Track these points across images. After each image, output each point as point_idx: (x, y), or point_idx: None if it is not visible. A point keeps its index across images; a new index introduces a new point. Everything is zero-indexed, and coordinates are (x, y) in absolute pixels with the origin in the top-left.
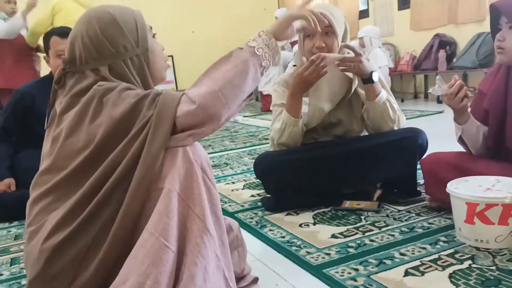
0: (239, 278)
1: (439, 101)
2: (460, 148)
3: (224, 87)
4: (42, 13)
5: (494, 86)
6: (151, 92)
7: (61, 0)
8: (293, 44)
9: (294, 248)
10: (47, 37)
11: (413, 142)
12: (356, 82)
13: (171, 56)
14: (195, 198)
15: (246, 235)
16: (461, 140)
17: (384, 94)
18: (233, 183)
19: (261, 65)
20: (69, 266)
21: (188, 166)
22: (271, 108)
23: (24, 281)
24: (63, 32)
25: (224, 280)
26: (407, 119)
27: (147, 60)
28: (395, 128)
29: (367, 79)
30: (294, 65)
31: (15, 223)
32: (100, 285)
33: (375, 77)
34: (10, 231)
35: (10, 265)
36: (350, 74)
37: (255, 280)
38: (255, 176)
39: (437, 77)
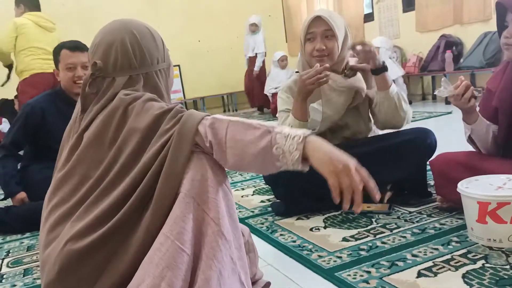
0: (251, 284)
1: (447, 102)
2: (470, 148)
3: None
4: (4, 31)
5: (503, 83)
6: (174, 108)
7: (24, 23)
8: None
9: (305, 252)
10: (57, 50)
11: (422, 142)
12: (365, 88)
13: (178, 65)
14: (210, 202)
15: (257, 241)
16: (470, 139)
17: (395, 87)
18: (242, 189)
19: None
20: (87, 275)
21: (203, 171)
22: (277, 116)
23: None
24: (74, 46)
25: (240, 283)
26: (415, 121)
27: (168, 74)
28: (405, 122)
29: (380, 69)
30: (297, 71)
31: (27, 234)
32: None
33: (386, 66)
34: (22, 242)
35: (23, 276)
36: (357, 83)
37: (267, 284)
38: (264, 182)
39: (442, 79)
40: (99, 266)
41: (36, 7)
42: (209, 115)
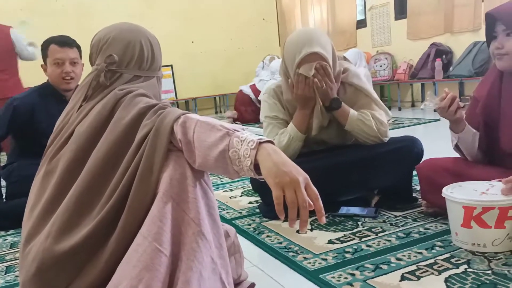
0: (236, 284)
1: (435, 110)
2: (457, 154)
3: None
4: None
5: (488, 91)
6: (158, 104)
7: None
8: None
9: (291, 254)
10: (45, 45)
11: (409, 151)
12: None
13: (171, 65)
14: (190, 202)
15: (243, 242)
16: (457, 147)
17: (355, 115)
18: (231, 190)
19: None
20: (65, 276)
21: (182, 169)
22: (261, 120)
23: None
24: (63, 41)
25: (221, 283)
26: (404, 127)
27: (161, 83)
28: (382, 139)
29: (331, 107)
30: (264, 61)
31: (11, 231)
32: None
33: (337, 103)
34: (6, 239)
35: (5, 273)
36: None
37: (252, 286)
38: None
39: (428, 92)
40: (77, 268)
41: None
42: (187, 113)
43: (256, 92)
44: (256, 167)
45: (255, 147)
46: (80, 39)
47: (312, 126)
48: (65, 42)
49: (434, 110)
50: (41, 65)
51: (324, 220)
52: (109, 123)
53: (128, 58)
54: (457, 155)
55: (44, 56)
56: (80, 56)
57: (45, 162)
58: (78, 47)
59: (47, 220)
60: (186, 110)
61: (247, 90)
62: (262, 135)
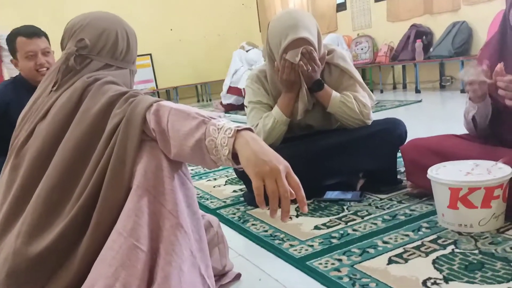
0: (221, 275)
1: (462, 91)
2: (438, 133)
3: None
4: None
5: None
6: (128, 92)
7: None
8: None
9: (277, 241)
10: (12, 37)
11: (392, 133)
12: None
13: (150, 54)
14: (167, 194)
15: (228, 231)
16: (473, 119)
17: (337, 97)
18: (214, 179)
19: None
20: (37, 279)
21: (158, 160)
22: (245, 104)
23: None
24: (31, 32)
25: (200, 277)
26: (386, 109)
27: (134, 78)
28: (365, 121)
29: (313, 89)
30: (242, 48)
31: None
32: None
33: (319, 85)
34: None
35: None
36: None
37: (238, 276)
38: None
39: (470, 63)
40: (50, 270)
41: None
42: (160, 101)
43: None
44: (235, 156)
45: (233, 135)
46: (53, 28)
47: (297, 110)
48: (33, 32)
49: (441, 85)
50: (11, 60)
51: (306, 209)
52: (77, 112)
53: (101, 45)
54: (438, 133)
55: (12, 50)
56: (49, 44)
57: (11, 155)
58: (46, 35)
59: (16, 219)
60: (168, 100)
61: (236, 99)
62: (246, 123)
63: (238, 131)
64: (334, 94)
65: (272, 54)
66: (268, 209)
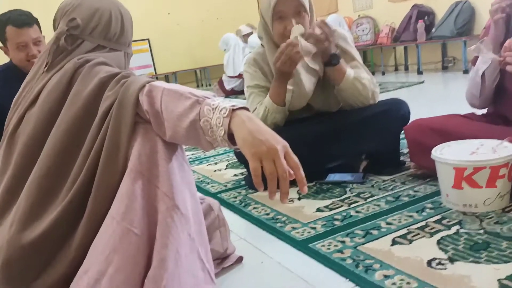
0: (223, 258)
1: (465, 72)
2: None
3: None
4: None
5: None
6: (120, 73)
7: None
8: None
9: (279, 224)
10: (1, 25)
11: (395, 113)
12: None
13: (148, 39)
14: (162, 175)
15: (230, 215)
16: (481, 77)
17: (351, 73)
18: (215, 163)
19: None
20: (34, 267)
21: (152, 143)
22: (245, 90)
23: None
24: (21, 22)
25: (199, 260)
26: (388, 91)
27: (129, 62)
28: (371, 101)
29: (330, 62)
30: (241, 33)
31: None
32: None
33: (336, 58)
34: None
35: None
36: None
37: (240, 259)
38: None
39: (483, 42)
40: (46, 258)
41: None
42: (152, 81)
43: None
44: (231, 136)
45: (228, 115)
46: (44, 13)
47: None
48: (24, 22)
49: (442, 65)
50: (1, 48)
51: (306, 190)
52: (68, 95)
53: (93, 25)
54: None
55: (2, 38)
56: (40, 30)
57: (4, 140)
58: (37, 22)
59: (10, 208)
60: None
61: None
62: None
63: (233, 110)
64: (349, 70)
65: (266, 26)
66: (267, 191)
